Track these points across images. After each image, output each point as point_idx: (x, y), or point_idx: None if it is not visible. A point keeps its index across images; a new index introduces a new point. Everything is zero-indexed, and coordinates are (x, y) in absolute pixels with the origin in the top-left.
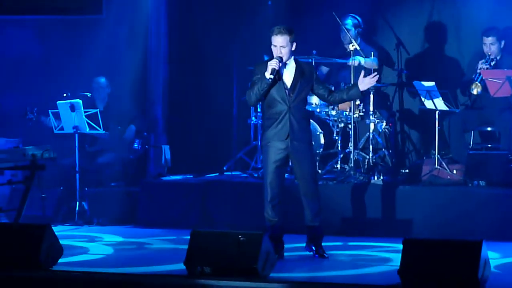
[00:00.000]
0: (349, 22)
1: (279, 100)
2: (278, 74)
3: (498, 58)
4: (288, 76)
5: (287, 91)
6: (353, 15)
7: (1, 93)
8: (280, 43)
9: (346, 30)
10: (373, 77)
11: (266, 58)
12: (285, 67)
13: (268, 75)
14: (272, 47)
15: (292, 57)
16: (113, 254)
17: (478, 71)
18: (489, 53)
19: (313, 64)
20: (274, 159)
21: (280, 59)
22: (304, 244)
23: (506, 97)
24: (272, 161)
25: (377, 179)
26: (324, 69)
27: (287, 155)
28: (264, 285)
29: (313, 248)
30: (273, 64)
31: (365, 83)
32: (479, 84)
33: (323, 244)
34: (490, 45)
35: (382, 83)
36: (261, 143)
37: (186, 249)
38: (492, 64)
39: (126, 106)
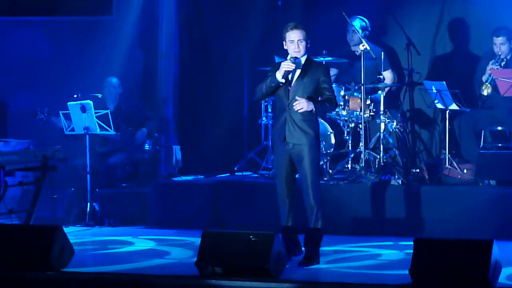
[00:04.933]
0: (357, 24)
1: (281, 99)
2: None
3: (508, 57)
4: (294, 75)
5: (289, 90)
6: (361, 17)
7: (12, 94)
8: (298, 37)
9: (353, 31)
10: (298, 103)
11: (276, 58)
12: (298, 68)
13: (279, 77)
14: (289, 43)
15: (306, 56)
16: (123, 253)
17: (489, 71)
18: (499, 53)
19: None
20: (279, 159)
21: (295, 60)
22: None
23: None
24: (277, 162)
25: (393, 180)
26: (333, 71)
27: (290, 155)
28: (275, 285)
29: (303, 250)
30: (286, 66)
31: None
32: (489, 85)
33: (328, 248)
34: (500, 45)
35: (393, 82)
36: None
37: (197, 249)
38: (502, 65)
39: (137, 106)
